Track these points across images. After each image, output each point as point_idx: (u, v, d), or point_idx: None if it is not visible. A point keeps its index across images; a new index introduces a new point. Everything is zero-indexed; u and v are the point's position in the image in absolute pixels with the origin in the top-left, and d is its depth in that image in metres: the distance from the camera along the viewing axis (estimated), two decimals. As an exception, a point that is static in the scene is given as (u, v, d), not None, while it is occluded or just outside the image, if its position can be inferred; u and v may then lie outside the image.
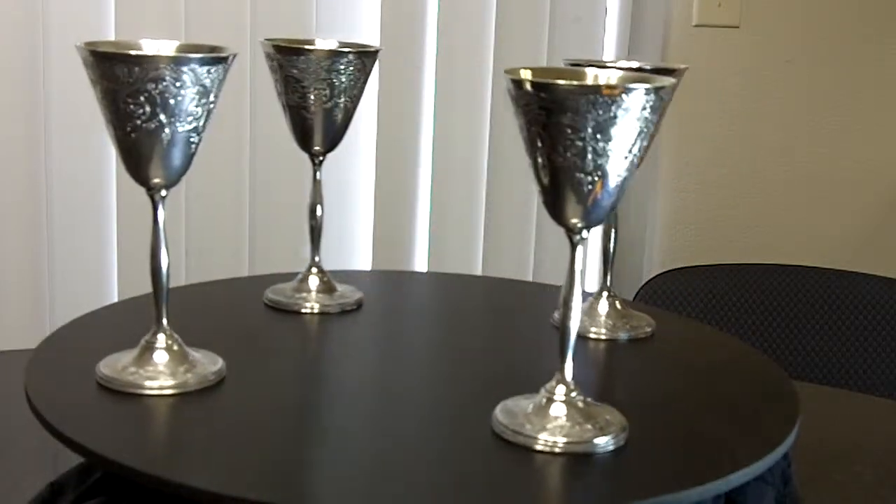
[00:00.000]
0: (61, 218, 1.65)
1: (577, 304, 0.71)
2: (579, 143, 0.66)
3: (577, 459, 0.69)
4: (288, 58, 0.92)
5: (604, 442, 0.69)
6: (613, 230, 0.99)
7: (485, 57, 1.81)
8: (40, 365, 0.80)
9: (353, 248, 1.85)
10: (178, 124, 0.73)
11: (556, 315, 0.98)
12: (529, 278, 1.88)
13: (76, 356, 0.83)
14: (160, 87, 0.71)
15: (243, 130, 1.68)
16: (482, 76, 1.82)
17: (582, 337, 0.93)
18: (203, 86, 0.73)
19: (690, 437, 0.74)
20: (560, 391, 0.72)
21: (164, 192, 0.77)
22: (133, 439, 0.70)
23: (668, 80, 0.67)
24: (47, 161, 1.63)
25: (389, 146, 1.80)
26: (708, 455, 0.71)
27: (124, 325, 0.94)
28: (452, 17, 1.79)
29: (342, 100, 0.94)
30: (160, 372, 0.76)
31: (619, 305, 0.97)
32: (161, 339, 0.78)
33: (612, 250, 0.99)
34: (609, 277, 0.98)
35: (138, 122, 0.72)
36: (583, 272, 0.72)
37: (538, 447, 0.69)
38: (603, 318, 0.95)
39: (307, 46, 0.92)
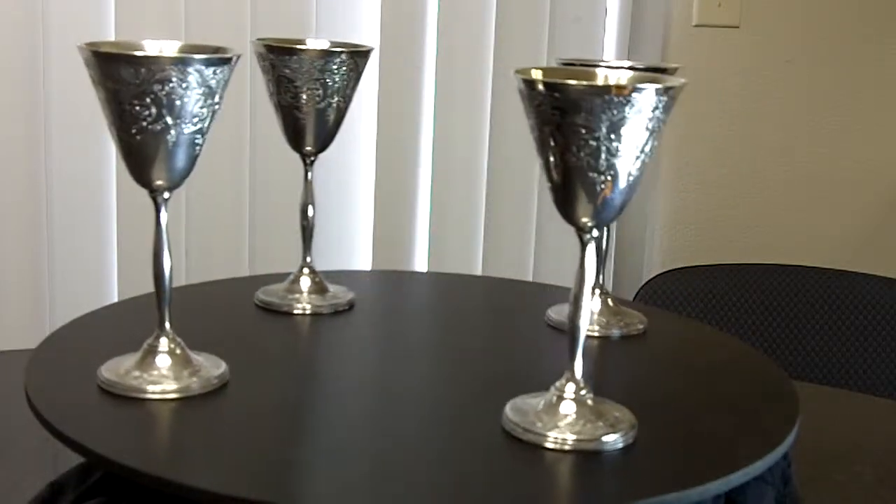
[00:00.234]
0: (61, 218, 1.65)
1: (586, 303, 0.72)
2: (593, 143, 0.66)
3: (588, 457, 0.69)
4: (281, 58, 0.91)
5: (613, 439, 0.70)
6: (607, 228, 0.99)
7: (485, 57, 1.82)
8: (40, 365, 0.80)
9: (353, 248, 1.85)
10: (183, 126, 0.72)
11: (551, 313, 0.98)
12: (529, 278, 1.88)
13: (76, 356, 0.83)
14: (167, 88, 0.70)
15: (243, 130, 1.68)
16: (482, 76, 1.82)
17: None
18: (209, 87, 0.72)
19: (690, 436, 0.74)
20: (570, 389, 0.72)
21: (167, 195, 0.76)
22: (134, 440, 0.70)
23: (678, 80, 0.67)
24: (47, 161, 1.63)
25: (389, 146, 1.80)
26: (707, 455, 0.71)
27: (124, 325, 0.94)
28: (452, 17, 1.79)
29: (335, 100, 0.94)
30: (163, 376, 0.75)
31: (611, 303, 0.98)
32: (164, 343, 0.77)
33: (604, 248, 1.00)
34: (602, 275, 0.99)
35: (144, 123, 0.72)
36: (592, 271, 0.72)
37: (548, 445, 0.69)
38: (596, 316, 0.96)
39: (299, 46, 0.92)
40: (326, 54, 0.92)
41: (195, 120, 0.73)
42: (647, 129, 0.66)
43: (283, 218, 1.71)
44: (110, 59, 0.70)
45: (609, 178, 0.67)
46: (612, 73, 0.74)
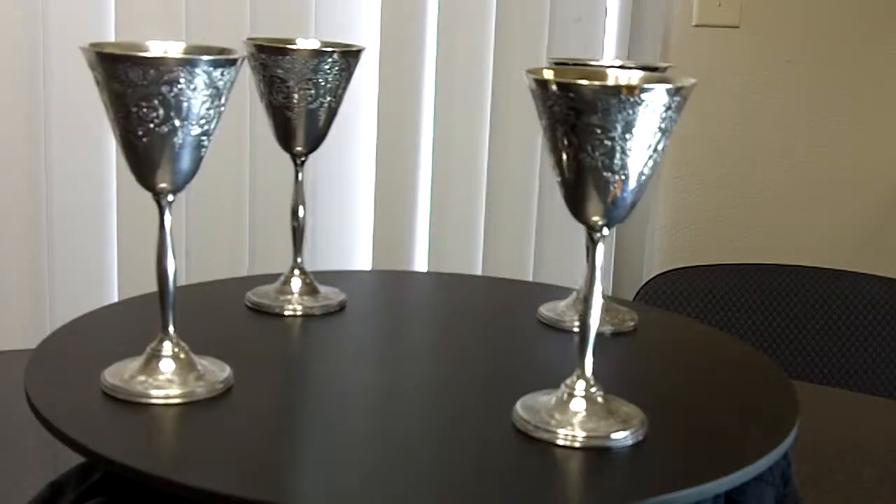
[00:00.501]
0: (61, 218, 1.65)
1: (597, 301, 0.73)
2: (608, 143, 0.67)
3: (598, 454, 0.70)
4: (273, 58, 0.91)
5: (623, 437, 0.71)
6: None
7: (485, 57, 1.82)
8: (40, 365, 0.80)
9: (353, 248, 1.85)
10: (190, 127, 0.72)
11: (543, 310, 0.99)
12: (530, 278, 1.89)
13: (76, 356, 0.83)
14: (175, 89, 0.70)
15: (243, 130, 1.68)
16: (482, 76, 1.82)
17: (566, 331, 0.96)
18: (216, 88, 0.72)
19: (689, 436, 0.74)
20: (580, 386, 0.73)
21: (171, 197, 0.75)
22: (135, 440, 0.70)
23: (690, 80, 0.68)
24: (47, 161, 1.63)
25: (389, 146, 1.80)
26: (707, 454, 0.71)
27: (125, 325, 0.94)
28: (452, 17, 1.79)
29: (327, 100, 0.93)
30: (167, 381, 0.74)
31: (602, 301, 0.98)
32: (167, 347, 0.76)
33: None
34: None
35: (151, 125, 0.71)
36: (602, 269, 0.72)
37: (559, 442, 0.70)
38: None
39: (291, 46, 0.91)
40: (319, 54, 0.91)
41: (202, 121, 0.72)
42: (661, 128, 0.67)
43: (283, 218, 1.69)
44: (117, 60, 0.69)
45: (622, 177, 0.68)
46: (623, 74, 0.74)
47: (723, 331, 1.06)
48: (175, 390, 0.74)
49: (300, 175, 0.98)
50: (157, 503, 0.66)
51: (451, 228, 1.86)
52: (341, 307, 0.98)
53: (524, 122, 1.84)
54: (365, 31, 1.77)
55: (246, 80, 1.64)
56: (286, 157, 0.98)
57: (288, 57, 0.90)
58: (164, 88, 0.69)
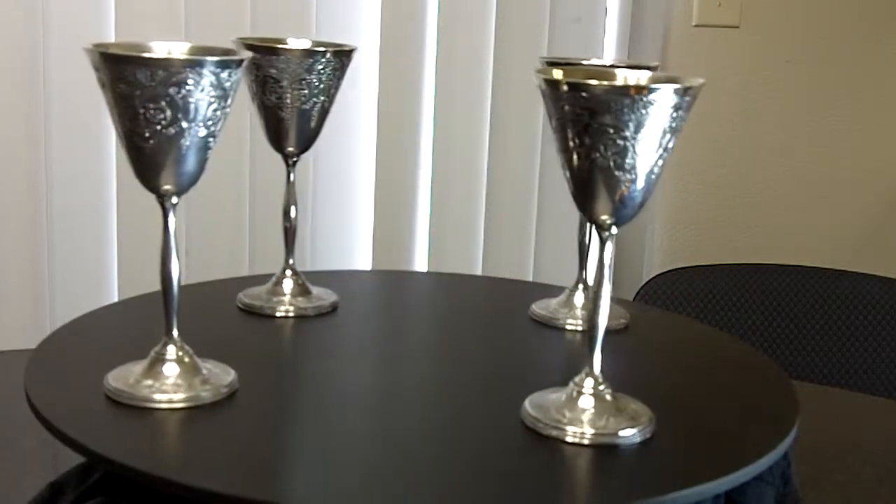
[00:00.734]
0: (61, 218, 1.65)
1: (605, 300, 0.73)
2: (620, 143, 0.67)
3: (606, 451, 0.70)
4: (267, 58, 0.90)
5: (631, 434, 0.71)
6: (589, 224, 1.00)
7: (485, 57, 1.82)
8: (40, 365, 0.80)
9: (353, 248, 1.85)
10: (197, 129, 0.71)
11: (535, 308, 0.99)
12: (530, 278, 1.89)
13: (76, 356, 0.83)
14: (183, 90, 0.69)
15: (243, 131, 1.68)
16: (482, 76, 1.82)
17: (559, 328, 0.96)
18: (223, 89, 0.71)
19: (689, 436, 0.74)
20: (588, 384, 0.73)
21: (175, 200, 0.74)
22: (135, 440, 0.70)
23: (699, 80, 0.69)
24: (47, 161, 1.63)
25: (389, 146, 1.80)
26: (707, 454, 0.72)
27: (125, 325, 0.94)
28: (452, 17, 1.79)
29: (321, 100, 0.92)
30: (171, 385, 0.74)
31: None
32: (171, 351, 0.75)
33: (587, 244, 1.00)
34: (585, 271, 1.00)
35: (158, 127, 0.70)
36: (611, 267, 0.73)
37: (568, 439, 0.70)
38: (579, 310, 0.97)
39: (284, 46, 0.91)
40: (313, 54, 0.91)
41: (209, 123, 0.71)
42: (671, 127, 0.68)
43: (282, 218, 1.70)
44: (125, 61, 0.68)
45: (633, 176, 0.69)
46: (632, 74, 0.75)
47: (723, 331, 1.06)
48: (180, 394, 0.73)
49: (292, 175, 0.97)
50: (157, 503, 0.66)
51: (451, 228, 1.86)
52: (333, 308, 0.97)
53: (524, 122, 1.84)
54: (365, 31, 1.77)
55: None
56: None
57: (282, 57, 0.90)
58: (173, 90, 0.69)
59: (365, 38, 1.76)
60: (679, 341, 0.99)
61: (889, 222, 2.07)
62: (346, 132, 1.80)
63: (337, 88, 0.94)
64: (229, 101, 0.72)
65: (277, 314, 0.94)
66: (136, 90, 0.69)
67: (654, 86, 0.66)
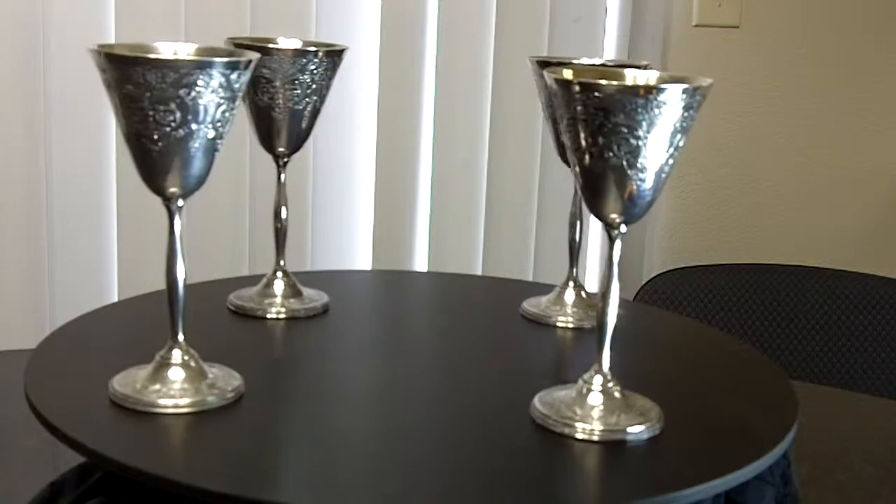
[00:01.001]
0: (61, 218, 1.65)
1: (614, 298, 0.74)
2: (633, 142, 0.68)
3: (615, 447, 0.71)
4: (260, 58, 0.90)
5: (640, 430, 0.72)
6: (579, 222, 1.00)
7: (485, 57, 1.82)
8: (40, 365, 0.80)
9: (353, 248, 1.85)
10: (207, 131, 0.70)
11: (526, 305, 1.00)
12: (530, 278, 1.88)
13: (76, 356, 0.83)
14: (193, 92, 0.68)
15: (243, 131, 1.68)
16: (482, 76, 1.82)
17: (549, 325, 0.97)
18: (232, 90, 0.70)
19: (689, 436, 0.74)
20: (597, 381, 0.74)
21: (180, 202, 0.73)
22: (136, 440, 0.70)
23: (708, 80, 0.70)
24: (47, 161, 1.63)
25: (389, 146, 1.80)
26: (706, 454, 0.72)
27: (125, 324, 0.94)
28: (452, 17, 1.79)
29: (313, 100, 0.92)
30: (176, 390, 0.73)
31: (584, 295, 0.99)
32: (177, 355, 0.75)
33: (578, 242, 1.01)
34: (575, 269, 1.00)
35: (167, 129, 0.69)
36: (619, 265, 0.74)
37: (578, 436, 0.71)
38: (570, 307, 0.98)
39: (276, 46, 0.90)
40: (305, 54, 0.90)
41: (218, 125, 0.71)
42: (682, 127, 0.69)
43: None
44: (134, 62, 0.67)
45: (645, 175, 0.69)
46: (641, 74, 0.75)
47: (723, 331, 1.06)
48: (186, 399, 0.72)
49: (282, 176, 0.96)
50: (157, 503, 0.66)
51: (451, 228, 1.86)
52: (325, 309, 0.96)
53: (524, 122, 1.84)
54: (365, 31, 1.77)
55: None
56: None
57: (275, 57, 0.89)
58: (183, 91, 0.68)
59: (365, 38, 1.76)
60: (679, 341, 0.99)
61: (889, 222, 2.07)
62: (346, 132, 1.80)
63: (328, 89, 0.93)
64: (237, 103, 0.72)
65: (269, 316, 0.94)
66: (146, 92, 0.68)
67: (667, 86, 0.67)
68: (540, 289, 1.04)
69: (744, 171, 2.02)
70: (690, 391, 0.84)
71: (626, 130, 0.67)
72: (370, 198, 1.82)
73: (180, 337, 0.75)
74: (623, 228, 0.72)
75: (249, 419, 0.73)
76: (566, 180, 1.04)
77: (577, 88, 0.68)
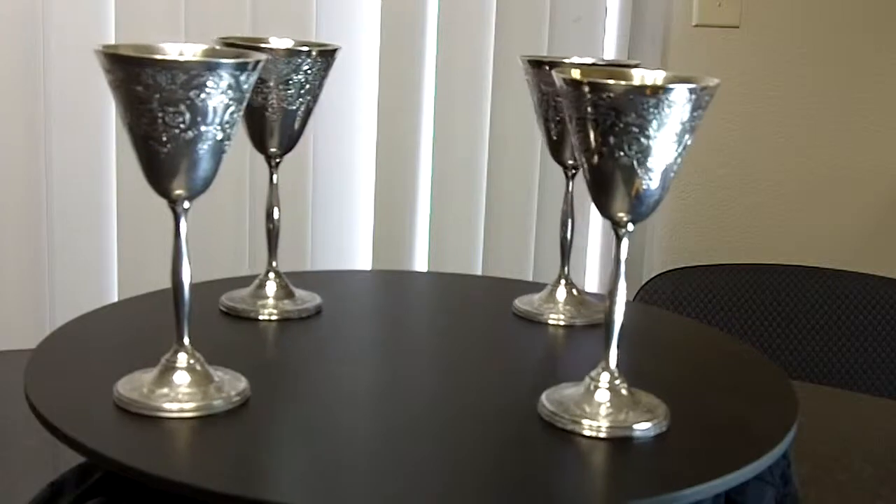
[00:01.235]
0: (61, 218, 1.65)
1: (621, 296, 0.74)
2: (644, 141, 0.69)
3: (622, 444, 0.71)
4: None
5: (646, 428, 0.72)
6: (570, 221, 1.01)
7: (485, 57, 1.82)
8: (40, 365, 0.80)
9: (353, 248, 1.85)
10: (216, 132, 0.70)
11: (518, 303, 1.00)
12: (530, 278, 1.88)
13: (77, 356, 0.83)
14: (203, 93, 0.67)
15: (241, 131, 1.68)
16: (482, 76, 1.82)
17: (541, 323, 0.97)
18: (241, 91, 0.70)
19: (688, 435, 0.74)
20: (604, 378, 0.75)
21: (186, 204, 0.73)
22: (137, 440, 0.70)
23: (715, 80, 0.70)
24: (47, 161, 1.63)
25: (389, 146, 1.80)
26: (706, 453, 0.72)
27: (125, 324, 0.94)
28: (452, 17, 1.79)
29: (306, 99, 0.91)
30: (182, 394, 0.72)
31: (575, 293, 1.00)
32: (182, 359, 0.74)
33: (569, 240, 1.01)
34: (567, 267, 1.01)
35: (176, 130, 0.68)
36: (633, 261, 0.74)
37: (585, 432, 0.72)
38: (561, 305, 0.98)
39: (268, 45, 0.90)
40: (299, 54, 0.89)
41: (226, 126, 0.70)
42: (691, 126, 0.70)
43: (283, 218, 1.70)
44: (143, 63, 0.67)
45: (654, 174, 0.70)
46: (649, 74, 0.76)
47: (723, 331, 1.06)
48: (189, 404, 0.72)
49: (274, 177, 0.95)
50: (156, 503, 0.66)
51: (451, 228, 1.86)
52: (318, 310, 0.96)
53: (524, 122, 1.83)
54: (365, 31, 1.77)
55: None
56: (285, 156, 0.96)
57: (270, 57, 0.88)
58: (193, 93, 0.67)
59: (365, 38, 1.76)
60: (679, 341, 0.99)
61: (889, 222, 2.07)
62: (346, 132, 1.80)
63: (321, 88, 0.93)
64: (244, 104, 0.71)
65: (261, 317, 0.93)
66: (155, 93, 0.67)
67: (679, 86, 0.68)
68: (539, 289, 1.04)
69: (744, 171, 2.02)
70: (690, 391, 0.84)
71: (636, 130, 0.68)
72: (370, 198, 1.82)
73: (186, 340, 0.75)
74: (630, 227, 0.73)
75: (249, 420, 0.73)
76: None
77: (587, 88, 0.68)
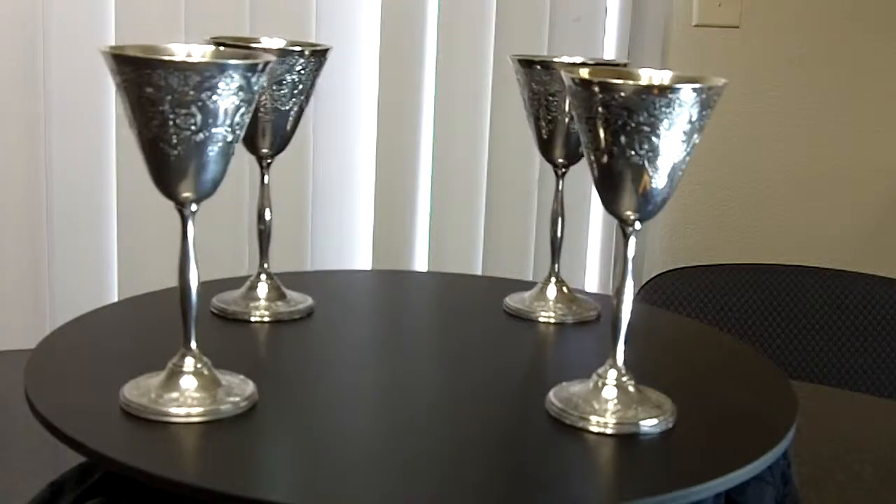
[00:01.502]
0: (61, 218, 1.65)
1: (629, 293, 0.75)
2: (654, 140, 0.69)
3: (629, 441, 0.72)
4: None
5: (652, 424, 0.73)
6: (560, 219, 1.01)
7: (485, 57, 1.82)
8: (40, 365, 0.80)
9: (353, 248, 1.85)
10: (226, 134, 0.69)
11: (508, 301, 1.00)
12: (530, 278, 1.88)
13: (77, 356, 0.83)
14: (214, 95, 0.67)
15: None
16: (482, 76, 1.82)
17: (532, 320, 0.97)
18: (252, 92, 0.69)
19: (688, 435, 0.74)
20: (611, 375, 0.75)
21: (194, 207, 0.72)
22: (137, 440, 0.70)
23: (722, 80, 0.71)
24: (47, 161, 1.63)
25: (389, 146, 1.80)
26: (706, 453, 0.72)
27: (125, 324, 0.94)
28: (452, 17, 1.79)
29: (299, 100, 0.91)
30: (189, 398, 0.72)
31: (566, 291, 1.00)
32: (189, 363, 0.73)
33: (560, 238, 1.01)
34: (557, 265, 1.01)
35: (187, 133, 0.67)
36: (634, 260, 0.75)
37: (592, 429, 0.72)
38: (552, 303, 0.99)
39: (260, 45, 0.89)
40: (292, 54, 0.89)
41: (236, 127, 0.69)
42: (700, 125, 0.71)
43: (282, 218, 1.70)
44: (154, 65, 0.66)
45: (663, 172, 0.71)
46: (656, 74, 0.76)
47: (723, 331, 1.06)
48: (199, 408, 0.71)
49: (266, 177, 0.95)
50: (156, 503, 0.66)
51: (451, 228, 1.86)
52: (309, 312, 0.95)
53: (524, 121, 1.83)
54: (365, 31, 1.77)
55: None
56: (285, 156, 0.96)
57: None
58: (205, 94, 0.66)
59: (365, 38, 1.76)
60: (678, 341, 0.99)
61: (889, 222, 2.07)
62: (346, 132, 1.80)
63: (313, 88, 0.92)
64: (253, 105, 0.71)
65: (253, 319, 0.92)
66: (167, 95, 0.66)
67: (688, 85, 0.69)
68: (528, 286, 1.04)
69: (744, 171, 2.02)
70: (690, 391, 0.84)
71: (647, 129, 0.69)
72: (370, 198, 1.82)
73: (193, 344, 0.74)
74: (638, 226, 0.74)
75: (249, 421, 0.73)
76: (566, 180, 1.04)
77: (598, 88, 0.69)
